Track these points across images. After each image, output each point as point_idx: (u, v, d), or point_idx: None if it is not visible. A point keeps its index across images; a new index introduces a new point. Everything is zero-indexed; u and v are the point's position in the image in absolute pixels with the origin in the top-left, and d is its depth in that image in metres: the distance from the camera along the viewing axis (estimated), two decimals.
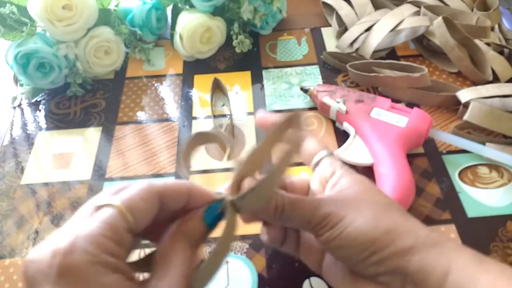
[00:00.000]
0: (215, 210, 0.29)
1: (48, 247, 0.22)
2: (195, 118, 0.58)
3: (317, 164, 0.36)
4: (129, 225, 0.24)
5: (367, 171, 0.47)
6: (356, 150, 0.48)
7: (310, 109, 0.58)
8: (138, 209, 0.25)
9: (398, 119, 0.48)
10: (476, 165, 0.50)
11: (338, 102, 0.51)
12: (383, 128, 0.48)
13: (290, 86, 0.61)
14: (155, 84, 0.64)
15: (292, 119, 0.30)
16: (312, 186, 0.37)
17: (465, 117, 0.51)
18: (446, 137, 0.50)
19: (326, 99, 0.53)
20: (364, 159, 0.48)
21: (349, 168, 0.35)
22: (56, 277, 0.21)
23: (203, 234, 0.29)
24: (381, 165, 0.46)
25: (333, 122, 0.55)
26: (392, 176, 0.44)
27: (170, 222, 0.29)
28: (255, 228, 0.46)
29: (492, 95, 0.52)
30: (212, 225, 0.29)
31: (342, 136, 0.54)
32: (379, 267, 0.29)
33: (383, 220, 0.29)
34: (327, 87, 0.55)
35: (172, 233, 0.28)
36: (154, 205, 0.27)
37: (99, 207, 0.25)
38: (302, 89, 0.58)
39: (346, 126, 0.52)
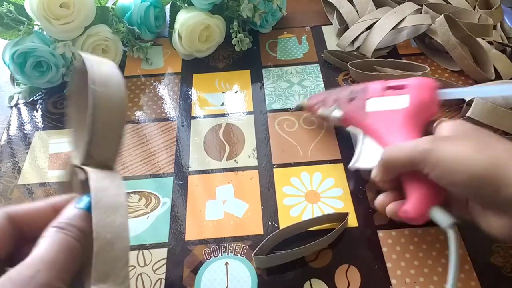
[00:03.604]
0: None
1: None
2: (194, 117, 0.58)
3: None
4: None
5: None
6: (369, 153, 0.43)
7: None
8: None
9: (398, 100, 0.42)
10: None
11: (333, 109, 0.47)
12: (386, 118, 0.42)
13: (290, 85, 0.61)
14: (154, 83, 0.63)
15: None
16: None
17: (468, 114, 0.51)
18: (458, 93, 0.44)
19: (321, 111, 0.49)
20: (376, 162, 0.41)
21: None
22: None
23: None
24: None
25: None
26: None
27: None
28: (255, 228, 0.46)
29: None
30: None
31: (343, 137, 0.53)
32: (497, 200, 0.31)
33: (486, 151, 0.31)
34: (317, 97, 0.51)
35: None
36: (1, 225, 0.26)
37: None
38: (297, 109, 0.56)
39: (352, 129, 0.47)
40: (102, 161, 0.26)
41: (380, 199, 0.41)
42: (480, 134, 0.35)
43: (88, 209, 0.25)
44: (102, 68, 0.27)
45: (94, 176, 0.25)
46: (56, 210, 0.27)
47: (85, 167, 0.26)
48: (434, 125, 0.39)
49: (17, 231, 0.26)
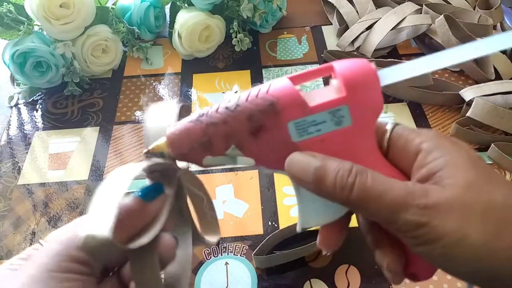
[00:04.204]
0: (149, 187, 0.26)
1: None
2: None
3: (389, 137, 0.26)
4: None
5: None
6: (315, 208, 0.27)
7: None
8: None
9: (332, 117, 0.25)
10: None
11: (232, 155, 0.26)
12: (328, 147, 0.25)
13: None
14: (154, 83, 0.63)
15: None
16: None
17: (468, 114, 0.51)
18: (397, 73, 0.27)
19: (211, 161, 0.27)
20: (335, 212, 0.27)
21: (438, 133, 0.25)
22: None
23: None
24: None
25: None
26: None
27: None
28: (255, 228, 0.46)
29: (494, 92, 0.52)
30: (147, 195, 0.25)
31: None
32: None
33: (505, 233, 0.21)
34: (183, 132, 0.26)
35: None
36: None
37: None
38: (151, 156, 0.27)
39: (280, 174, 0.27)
40: (154, 153, 0.27)
41: (376, 259, 0.27)
42: (483, 182, 0.22)
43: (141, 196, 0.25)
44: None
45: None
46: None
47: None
48: (387, 133, 0.26)
49: None
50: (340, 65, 0.25)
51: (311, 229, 0.45)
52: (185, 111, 0.29)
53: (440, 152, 0.23)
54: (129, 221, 0.24)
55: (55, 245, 0.23)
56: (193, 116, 0.26)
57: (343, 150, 0.25)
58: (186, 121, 0.26)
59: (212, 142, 0.25)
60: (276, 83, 0.25)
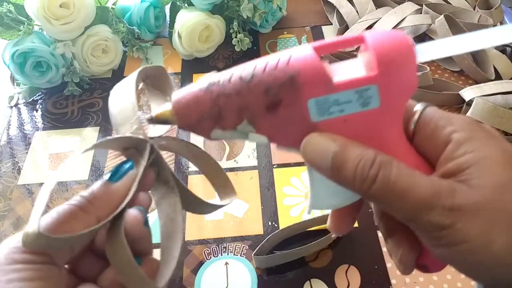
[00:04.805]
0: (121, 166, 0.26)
1: None
2: None
3: (417, 120, 0.23)
4: None
5: None
6: (328, 191, 0.25)
7: None
8: None
9: (358, 97, 0.22)
10: None
11: (245, 130, 0.24)
12: (352, 129, 0.23)
13: None
14: None
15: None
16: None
17: (468, 114, 0.51)
18: (436, 49, 0.24)
19: (220, 135, 0.24)
20: (350, 197, 0.25)
21: (473, 122, 0.23)
22: None
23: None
24: None
25: None
26: None
27: None
28: (255, 228, 0.46)
29: (494, 92, 0.52)
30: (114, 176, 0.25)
31: None
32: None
33: None
34: (189, 99, 0.23)
35: None
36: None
37: None
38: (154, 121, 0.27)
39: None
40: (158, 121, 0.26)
41: (387, 247, 0.26)
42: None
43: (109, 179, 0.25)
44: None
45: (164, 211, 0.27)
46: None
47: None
48: (416, 116, 0.24)
49: None
50: (373, 37, 0.22)
51: (311, 229, 0.45)
52: (148, 77, 0.28)
53: (471, 145, 0.21)
54: (92, 207, 0.24)
55: (11, 238, 0.23)
56: (203, 82, 0.23)
57: (367, 134, 0.22)
58: (196, 88, 0.23)
59: (222, 114, 0.23)
60: (298, 53, 0.22)
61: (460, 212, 0.20)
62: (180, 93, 0.23)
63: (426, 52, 0.23)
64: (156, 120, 0.25)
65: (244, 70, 0.22)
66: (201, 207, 0.32)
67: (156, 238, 0.26)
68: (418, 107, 0.24)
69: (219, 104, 0.22)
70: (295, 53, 0.22)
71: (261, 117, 0.23)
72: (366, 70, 0.22)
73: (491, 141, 0.22)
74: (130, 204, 0.25)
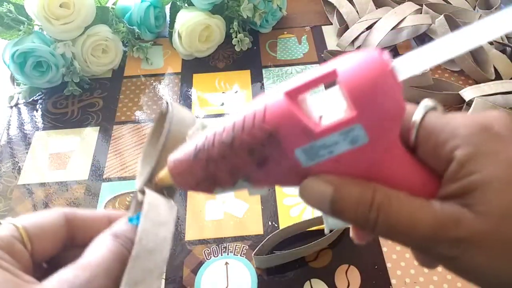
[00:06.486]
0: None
1: None
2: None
3: (419, 125, 0.22)
4: (20, 237, 0.24)
5: None
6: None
7: None
8: (35, 225, 0.24)
9: (345, 137, 0.21)
10: None
11: (240, 186, 0.24)
12: (347, 168, 0.22)
13: None
14: (154, 83, 0.63)
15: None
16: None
17: (468, 114, 0.51)
18: (420, 61, 0.20)
19: (221, 192, 0.24)
20: None
21: (481, 127, 0.20)
22: None
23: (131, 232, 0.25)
24: None
25: None
26: None
27: None
28: (255, 228, 0.46)
29: (495, 92, 0.52)
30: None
31: None
32: None
33: None
34: (183, 164, 0.24)
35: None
36: (58, 224, 0.25)
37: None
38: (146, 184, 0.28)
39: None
40: (162, 185, 0.27)
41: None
42: None
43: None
44: (180, 111, 0.28)
45: (151, 193, 0.26)
46: (110, 222, 0.26)
47: (145, 188, 0.27)
48: (414, 130, 0.22)
49: (69, 233, 0.26)
50: (344, 69, 0.20)
51: (311, 229, 0.45)
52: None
53: (476, 164, 0.20)
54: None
55: None
56: (190, 147, 0.23)
57: (363, 167, 0.22)
58: (186, 155, 0.23)
59: (217, 177, 0.23)
60: (272, 105, 0.21)
61: (466, 243, 0.19)
62: (174, 160, 0.24)
63: (408, 67, 0.20)
64: (160, 185, 0.26)
65: (224, 132, 0.22)
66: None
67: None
68: (417, 116, 0.22)
69: (210, 170, 0.23)
70: (269, 103, 0.21)
71: (254, 173, 0.22)
72: (346, 109, 0.21)
73: (498, 156, 0.20)
74: None
